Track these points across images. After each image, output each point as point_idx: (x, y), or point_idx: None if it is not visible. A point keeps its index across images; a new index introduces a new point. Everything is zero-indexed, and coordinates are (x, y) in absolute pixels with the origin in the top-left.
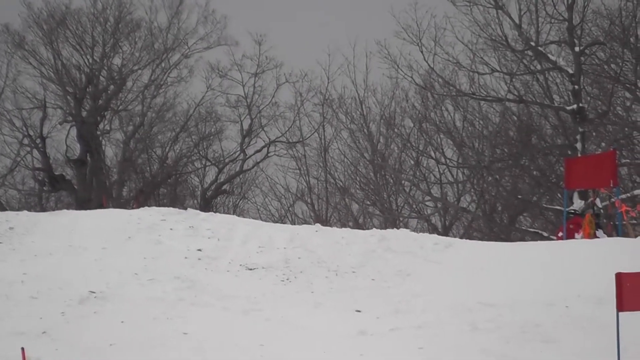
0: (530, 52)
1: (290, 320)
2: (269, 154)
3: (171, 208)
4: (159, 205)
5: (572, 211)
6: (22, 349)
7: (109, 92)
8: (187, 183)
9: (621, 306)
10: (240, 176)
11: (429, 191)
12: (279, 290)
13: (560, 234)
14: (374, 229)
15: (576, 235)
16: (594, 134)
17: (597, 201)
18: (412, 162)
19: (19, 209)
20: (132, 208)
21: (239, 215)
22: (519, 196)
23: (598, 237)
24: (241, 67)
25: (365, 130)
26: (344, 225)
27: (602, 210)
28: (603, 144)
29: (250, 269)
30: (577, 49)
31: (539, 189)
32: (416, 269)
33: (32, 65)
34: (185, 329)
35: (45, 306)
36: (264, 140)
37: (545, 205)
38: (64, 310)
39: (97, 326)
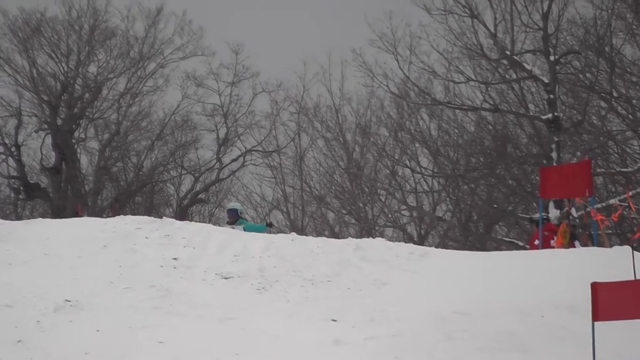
0: (505, 61)
1: (266, 330)
2: (245, 163)
3: (146, 217)
4: (135, 214)
5: (545, 217)
6: None
7: (84, 100)
8: (162, 192)
9: (597, 316)
10: (216, 184)
11: (404, 200)
12: (255, 299)
13: (536, 242)
14: (350, 238)
15: (551, 242)
16: (569, 143)
17: (573, 211)
18: (388, 171)
19: None
20: (108, 216)
21: (214, 224)
22: (495, 205)
23: (575, 247)
24: (218, 76)
25: (340, 139)
26: (319, 234)
27: (577, 220)
28: (578, 153)
29: (226, 278)
30: (552, 58)
31: (515, 198)
32: (392, 278)
33: (7, 73)
34: (160, 338)
35: (20, 315)
36: (240, 149)
37: (520, 215)
38: (39, 319)
39: (73, 335)
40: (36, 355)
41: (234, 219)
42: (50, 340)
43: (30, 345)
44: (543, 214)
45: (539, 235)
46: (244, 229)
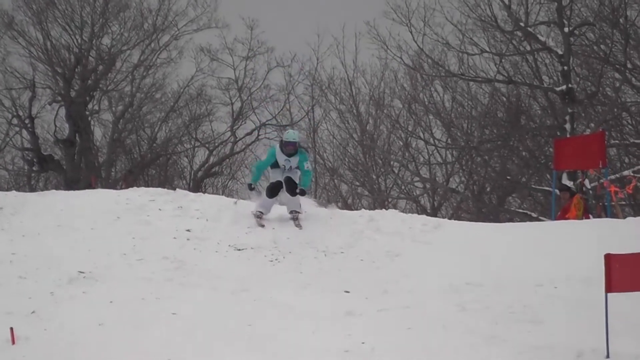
0: (519, 33)
1: (279, 301)
2: (259, 137)
3: (160, 188)
4: (148, 186)
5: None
6: (11, 328)
7: (98, 72)
8: (176, 164)
9: (610, 287)
10: (230, 158)
11: (417, 172)
12: (268, 270)
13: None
14: (363, 209)
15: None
16: (583, 114)
17: (586, 182)
18: (401, 143)
19: (7, 189)
20: (121, 188)
21: (227, 196)
22: (508, 177)
23: (589, 219)
24: (232, 50)
25: (354, 111)
26: None
27: (590, 192)
28: (592, 125)
29: (239, 250)
30: (566, 29)
31: (528, 169)
32: (405, 250)
33: (21, 45)
34: (174, 309)
35: (34, 286)
36: (254, 123)
37: (534, 186)
38: (53, 290)
39: (86, 306)
40: (50, 326)
41: (294, 151)
42: (64, 311)
43: (44, 316)
44: (568, 184)
45: (552, 209)
46: (301, 168)
